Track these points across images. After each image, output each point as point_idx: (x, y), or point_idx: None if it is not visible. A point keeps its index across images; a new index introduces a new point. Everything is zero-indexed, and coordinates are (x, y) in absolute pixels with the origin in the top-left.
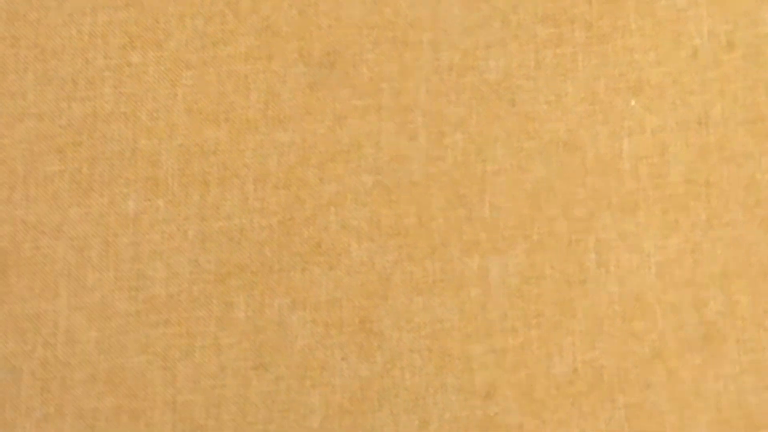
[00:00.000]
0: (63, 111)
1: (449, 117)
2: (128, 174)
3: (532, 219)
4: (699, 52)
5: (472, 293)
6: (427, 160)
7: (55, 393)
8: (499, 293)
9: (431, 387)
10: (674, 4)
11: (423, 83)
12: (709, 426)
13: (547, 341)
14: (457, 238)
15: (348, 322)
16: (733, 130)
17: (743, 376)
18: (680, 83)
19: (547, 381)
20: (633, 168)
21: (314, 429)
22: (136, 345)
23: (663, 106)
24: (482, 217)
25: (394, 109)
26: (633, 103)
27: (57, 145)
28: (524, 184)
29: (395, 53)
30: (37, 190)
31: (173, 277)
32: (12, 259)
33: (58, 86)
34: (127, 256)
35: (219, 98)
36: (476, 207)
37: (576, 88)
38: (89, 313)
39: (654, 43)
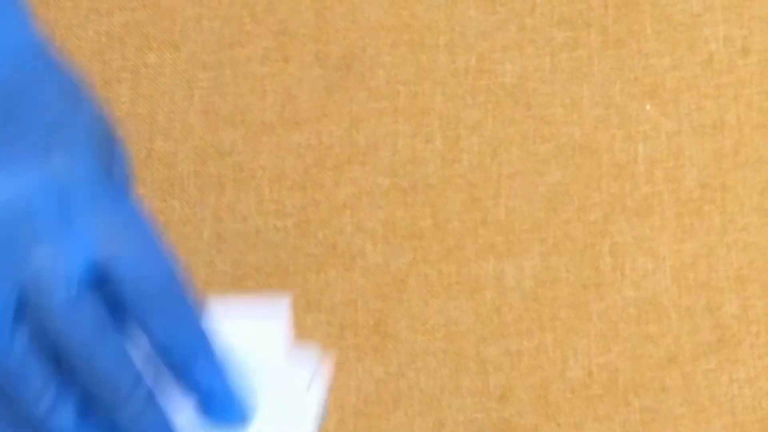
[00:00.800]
0: None
1: (465, 120)
2: (144, 175)
3: (547, 222)
4: (714, 57)
5: (488, 296)
6: (443, 162)
7: None
8: (514, 296)
9: (446, 389)
10: (690, 9)
11: (439, 86)
12: (724, 429)
13: (562, 344)
14: (472, 240)
15: (363, 323)
16: (748, 135)
17: (758, 380)
18: (695, 88)
19: (562, 384)
20: (648, 172)
21: (329, 430)
22: None
23: (678, 110)
24: (498, 220)
25: (411, 112)
26: (648, 107)
27: None
28: (539, 187)
29: (411, 56)
30: None
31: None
32: None
33: None
34: None
35: (235, 100)
36: (492, 210)
37: (591, 92)
38: None
39: (669, 48)
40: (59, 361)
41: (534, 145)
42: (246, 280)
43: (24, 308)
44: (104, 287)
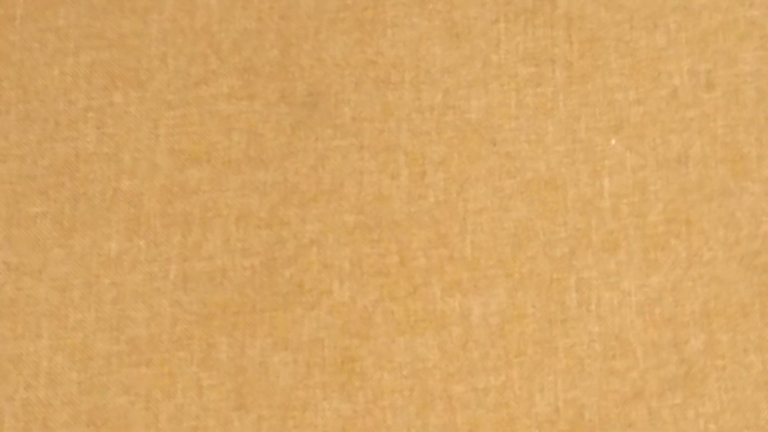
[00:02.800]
0: (45, 151)
1: (431, 156)
2: (110, 214)
3: (513, 258)
4: (679, 92)
5: (454, 332)
6: (409, 199)
7: None
8: (480, 332)
9: (413, 427)
10: (654, 44)
11: (405, 123)
12: None
13: (528, 380)
14: (438, 277)
15: (330, 362)
16: (713, 169)
17: (724, 414)
18: (660, 122)
19: (528, 420)
20: (614, 206)
21: None
22: (118, 386)
23: (643, 145)
24: (464, 256)
25: (376, 149)
26: (613, 142)
27: (39, 186)
28: (505, 223)
29: (377, 93)
30: (20, 231)
31: (155, 318)
32: None
33: (40, 127)
34: (109, 297)
35: (201, 138)
36: (458, 246)
37: (557, 128)
38: (71, 353)
39: (634, 83)
40: None
41: (500, 180)
42: (212, 319)
43: None
44: None
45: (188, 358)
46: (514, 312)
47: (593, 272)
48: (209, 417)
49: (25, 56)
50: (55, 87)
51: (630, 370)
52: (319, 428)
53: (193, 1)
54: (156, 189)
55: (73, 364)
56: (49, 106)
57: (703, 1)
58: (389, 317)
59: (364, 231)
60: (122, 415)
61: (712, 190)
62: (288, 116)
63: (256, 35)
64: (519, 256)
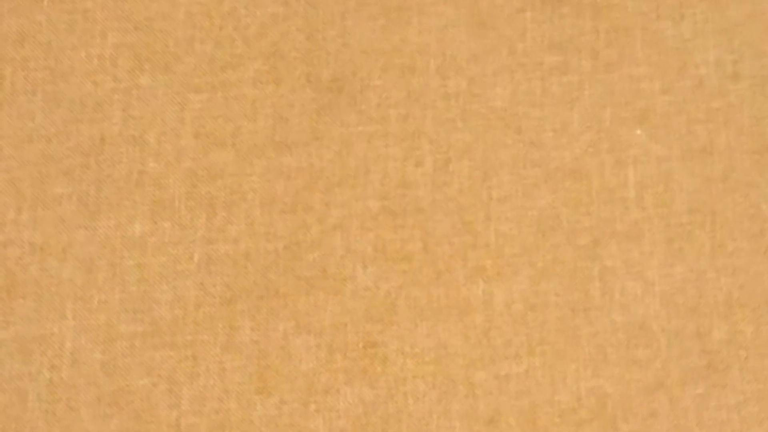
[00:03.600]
0: (71, 133)
1: (455, 144)
2: (135, 197)
3: (537, 246)
4: (705, 82)
5: (477, 319)
6: (433, 186)
7: (60, 415)
8: (503, 320)
9: (435, 413)
10: (681, 34)
11: (430, 110)
12: None
13: (551, 368)
14: (462, 264)
15: (352, 346)
16: (739, 160)
17: (746, 405)
18: (686, 112)
19: (550, 408)
20: (638, 196)
21: None
22: (141, 367)
23: (668, 135)
24: (487, 243)
25: (401, 135)
26: (639, 132)
27: (64, 167)
28: (529, 211)
29: (403, 79)
30: (45, 212)
31: (179, 300)
32: (19, 280)
33: (66, 108)
34: (133, 279)
35: (227, 122)
36: (481, 233)
37: (582, 117)
38: (95, 335)
39: (660, 73)
40: None
41: (524, 169)
42: (236, 303)
43: None
44: None
45: (211, 341)
46: (537, 300)
47: (617, 261)
48: (231, 399)
49: (53, 38)
50: (81, 69)
51: (653, 360)
52: (341, 413)
53: None
54: (181, 172)
55: (97, 345)
56: (75, 87)
57: None
58: (412, 303)
59: (388, 217)
60: (145, 397)
61: (737, 181)
62: (313, 101)
63: (283, 20)
64: (543, 245)
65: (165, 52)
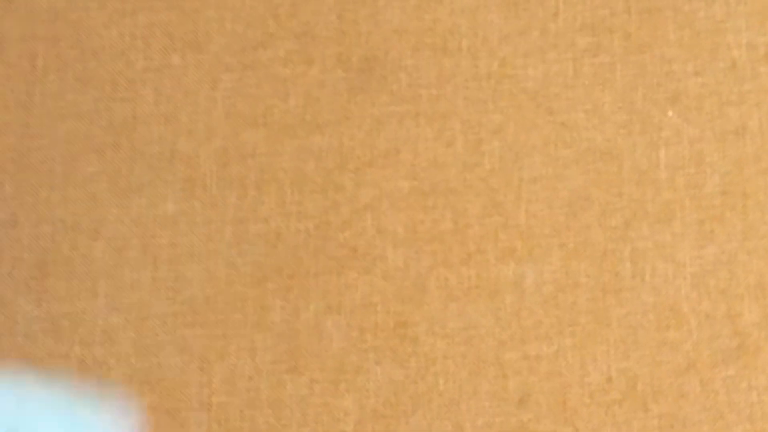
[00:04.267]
0: (102, 112)
1: (487, 124)
2: (167, 175)
3: (567, 227)
4: (737, 64)
5: (507, 300)
6: (464, 166)
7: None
8: (533, 301)
9: (465, 392)
10: (713, 16)
11: (461, 90)
12: None
13: (581, 350)
14: (492, 244)
15: (383, 326)
16: None
17: None
18: (718, 94)
19: (580, 389)
20: (670, 178)
21: None
22: (173, 346)
23: (700, 116)
24: (518, 224)
25: (432, 116)
26: (670, 113)
27: (96, 145)
28: (560, 192)
29: (434, 60)
30: (76, 191)
31: (210, 279)
32: (51, 258)
33: (98, 87)
34: (164, 258)
35: (258, 102)
36: (512, 214)
37: (613, 98)
38: (127, 313)
39: (692, 54)
40: None
41: (555, 150)
42: (267, 282)
43: None
44: None
45: (242, 320)
46: (567, 281)
47: (648, 243)
48: (262, 379)
49: (83, 16)
50: (113, 47)
51: (683, 342)
52: (371, 392)
53: None
54: (212, 151)
55: (129, 323)
56: (107, 66)
57: None
58: (443, 283)
59: (418, 197)
60: (176, 375)
61: None
62: (344, 81)
63: (314, 0)
64: (574, 226)
65: (196, 32)
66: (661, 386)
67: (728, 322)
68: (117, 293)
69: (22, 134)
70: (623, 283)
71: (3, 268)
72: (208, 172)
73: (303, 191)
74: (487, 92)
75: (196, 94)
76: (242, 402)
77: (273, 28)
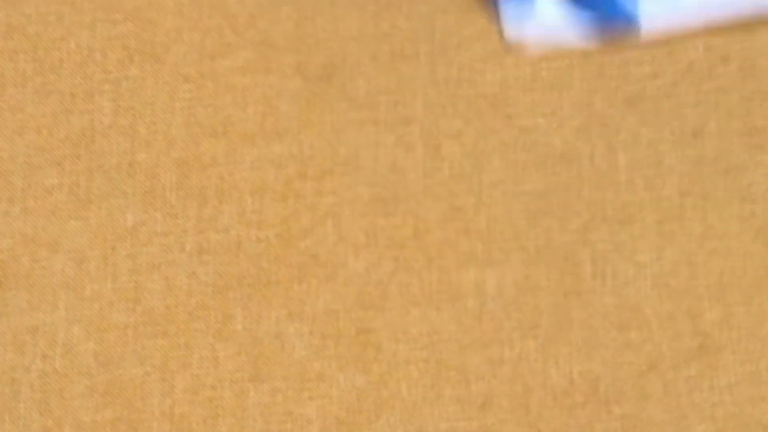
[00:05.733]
0: (61, 124)
1: (446, 129)
2: (126, 187)
3: (528, 231)
4: (695, 65)
5: (469, 304)
6: (424, 172)
7: (53, 405)
8: (495, 305)
9: (428, 398)
10: None
11: (420, 96)
12: None
13: (543, 352)
14: (453, 249)
15: (345, 333)
16: (729, 142)
17: (739, 386)
18: (675, 96)
19: (543, 392)
20: (629, 180)
21: None
22: (134, 357)
23: (658, 118)
24: (479, 228)
25: (391, 122)
26: (628, 116)
27: (55, 158)
28: (520, 196)
29: (392, 66)
30: (36, 203)
31: (171, 290)
32: (10, 271)
33: (56, 99)
34: (125, 269)
35: (217, 111)
36: (473, 219)
37: (572, 101)
38: (87, 325)
39: (650, 56)
40: None
41: (515, 154)
42: (228, 291)
43: None
44: None
45: (204, 330)
46: (528, 284)
47: (608, 245)
48: (225, 388)
49: (41, 29)
50: (71, 60)
51: (645, 342)
52: (334, 399)
53: None
54: (172, 161)
55: (90, 335)
56: (65, 79)
57: None
58: (404, 289)
59: (379, 203)
60: (138, 386)
61: (728, 163)
62: (303, 89)
63: (272, 8)
64: (534, 229)
65: (154, 42)
66: (623, 387)
67: (689, 322)
68: (77, 305)
69: None
70: (584, 286)
71: None
72: (168, 182)
73: (263, 200)
74: (446, 97)
75: (154, 104)
76: (205, 411)
77: (231, 37)
